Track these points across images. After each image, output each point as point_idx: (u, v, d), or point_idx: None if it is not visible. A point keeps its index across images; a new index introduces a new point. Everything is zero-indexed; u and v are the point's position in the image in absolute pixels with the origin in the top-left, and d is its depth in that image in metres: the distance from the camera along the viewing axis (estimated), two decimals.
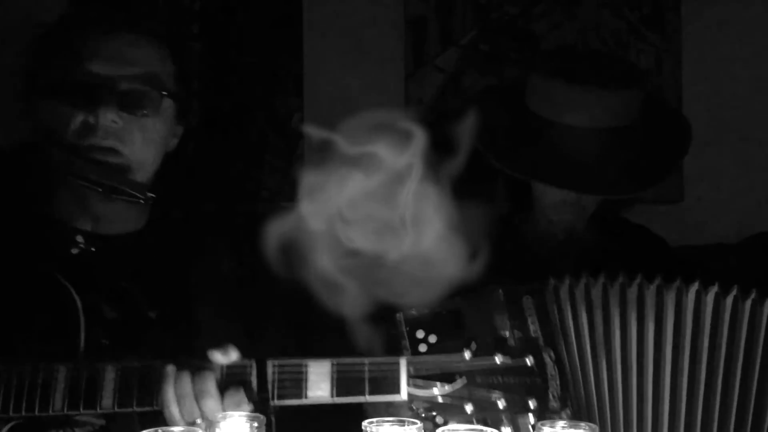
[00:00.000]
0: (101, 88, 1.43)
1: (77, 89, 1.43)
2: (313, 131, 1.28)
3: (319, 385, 1.21)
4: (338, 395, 1.22)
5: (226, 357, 1.26)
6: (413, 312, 1.53)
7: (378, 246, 1.24)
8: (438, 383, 1.21)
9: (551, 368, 1.22)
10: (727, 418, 1.42)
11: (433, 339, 1.53)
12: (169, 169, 1.58)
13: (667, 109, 1.94)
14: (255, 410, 1.20)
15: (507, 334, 1.40)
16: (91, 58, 1.44)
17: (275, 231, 1.25)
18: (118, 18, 1.51)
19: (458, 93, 2.82)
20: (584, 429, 1.09)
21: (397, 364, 1.22)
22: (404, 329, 1.54)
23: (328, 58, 2.85)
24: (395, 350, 1.51)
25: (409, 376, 1.22)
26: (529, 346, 1.25)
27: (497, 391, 1.19)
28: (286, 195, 2.70)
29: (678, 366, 1.43)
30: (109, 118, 1.43)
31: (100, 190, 1.42)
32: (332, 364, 1.23)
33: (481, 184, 1.28)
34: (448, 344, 1.34)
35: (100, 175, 1.41)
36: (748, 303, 1.44)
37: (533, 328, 1.42)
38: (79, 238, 1.52)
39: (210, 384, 1.21)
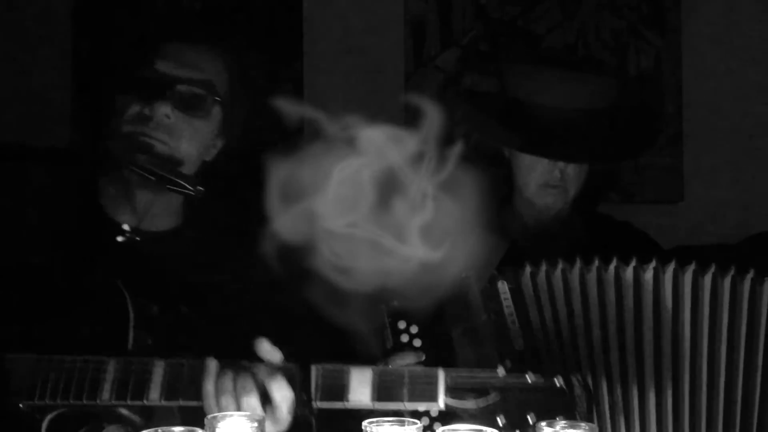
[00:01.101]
0: (160, 85, 1.57)
1: (140, 84, 1.58)
2: (288, 107, 1.30)
3: (360, 390, 1.26)
4: (379, 400, 1.26)
5: (273, 354, 1.29)
6: (395, 303, 1.56)
7: (371, 265, 1.25)
8: (473, 396, 1.27)
9: (578, 390, 1.27)
10: (712, 400, 1.45)
11: (414, 329, 1.57)
12: (206, 177, 1.65)
13: (642, 101, 2.08)
14: (298, 410, 1.25)
15: (483, 318, 1.46)
16: (156, 58, 1.59)
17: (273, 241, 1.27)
18: (182, 27, 1.69)
19: (458, 93, 2.82)
20: (584, 429, 1.09)
21: (436, 375, 1.27)
22: (387, 320, 1.57)
23: (328, 59, 2.86)
24: (379, 341, 1.57)
25: (446, 387, 1.26)
26: (558, 368, 1.33)
27: (527, 407, 1.26)
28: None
29: (661, 347, 1.45)
30: (163, 112, 1.56)
31: (154, 178, 1.47)
32: (374, 372, 1.28)
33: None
34: (433, 332, 1.46)
35: (153, 164, 1.48)
36: (727, 280, 1.47)
37: (508, 311, 1.47)
38: (126, 227, 1.61)
39: (250, 382, 1.25)
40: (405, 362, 1.56)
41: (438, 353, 1.52)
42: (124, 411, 1.33)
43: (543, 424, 1.11)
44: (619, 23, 2.80)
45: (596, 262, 1.50)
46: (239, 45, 1.73)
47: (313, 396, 1.26)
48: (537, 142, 1.82)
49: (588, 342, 1.47)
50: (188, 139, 1.60)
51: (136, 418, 1.35)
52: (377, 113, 1.27)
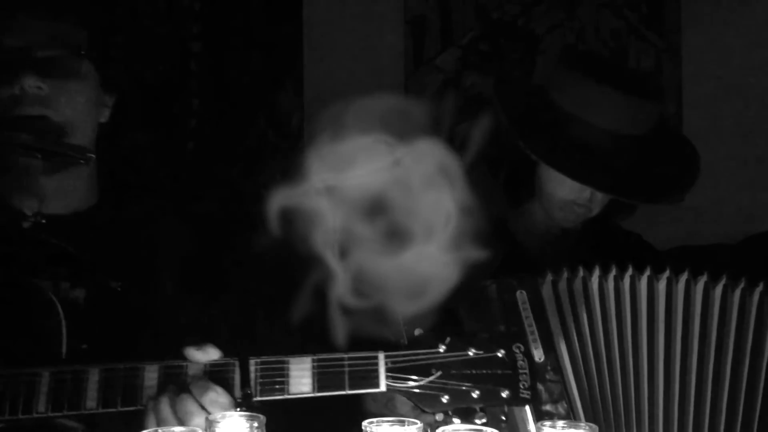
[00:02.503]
0: (18, 59, 1.48)
1: None
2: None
3: (300, 380, 1.25)
4: (319, 390, 1.25)
5: (204, 355, 1.27)
6: (416, 332, 1.54)
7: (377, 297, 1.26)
8: (415, 376, 1.26)
9: (521, 360, 1.27)
10: (718, 407, 1.45)
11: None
12: (106, 141, 1.60)
13: (676, 131, 2.00)
14: (238, 407, 1.23)
15: (503, 328, 1.43)
16: (4, 32, 1.50)
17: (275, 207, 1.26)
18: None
19: (458, 93, 2.82)
20: (584, 429, 1.09)
21: (376, 358, 1.26)
22: (402, 328, 1.55)
23: (328, 59, 2.85)
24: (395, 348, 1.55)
25: (387, 370, 1.26)
26: (500, 340, 1.30)
27: (471, 383, 1.26)
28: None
29: (670, 354, 1.46)
30: (32, 84, 1.46)
31: (40, 156, 1.44)
32: (312, 360, 1.26)
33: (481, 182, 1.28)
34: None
35: (35, 141, 1.44)
36: (738, 292, 1.48)
37: (527, 321, 1.44)
38: (27, 212, 1.54)
39: (190, 405, 1.22)
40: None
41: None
42: (64, 421, 1.31)
43: (542, 424, 1.10)
44: (619, 23, 2.80)
45: (613, 271, 1.49)
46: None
47: (252, 391, 1.25)
48: (580, 167, 1.74)
49: (610, 353, 1.46)
50: (67, 104, 1.50)
51: (76, 425, 1.33)
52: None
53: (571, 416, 1.41)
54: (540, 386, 1.39)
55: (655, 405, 1.45)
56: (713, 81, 2.75)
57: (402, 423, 1.09)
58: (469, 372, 1.26)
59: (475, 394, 1.25)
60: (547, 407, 1.40)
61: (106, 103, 1.62)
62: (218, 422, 1.12)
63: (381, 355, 1.26)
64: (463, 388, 1.25)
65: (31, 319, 1.38)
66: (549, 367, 1.40)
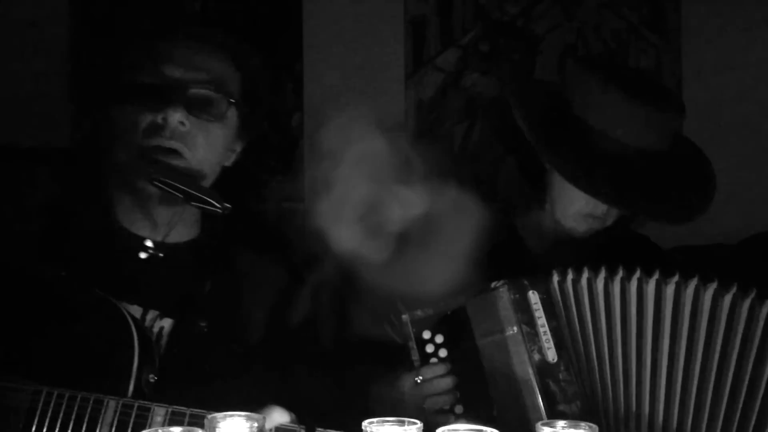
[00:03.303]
0: (171, 90, 1.47)
1: (149, 91, 1.47)
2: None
3: None
4: None
5: (277, 420, 1.26)
6: (419, 313, 1.54)
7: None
8: None
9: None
10: (721, 406, 1.43)
11: (439, 339, 1.56)
12: (225, 183, 1.59)
13: (695, 147, 1.95)
14: None
15: (515, 329, 1.42)
16: (164, 62, 1.49)
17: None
18: (186, 29, 1.58)
19: (458, 93, 2.82)
20: (584, 429, 1.09)
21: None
22: (411, 330, 1.55)
23: (327, 58, 2.85)
24: (404, 351, 1.56)
25: None
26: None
27: None
28: (286, 195, 2.70)
29: (674, 358, 1.44)
30: (177, 118, 1.45)
31: (182, 196, 1.42)
32: None
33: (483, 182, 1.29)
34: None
35: (176, 179, 1.43)
36: (747, 302, 1.45)
37: (540, 322, 1.43)
38: (148, 243, 1.53)
39: None
40: (433, 374, 1.55)
41: (464, 365, 1.51)
42: None
43: (542, 424, 1.10)
44: (619, 23, 2.80)
45: (620, 272, 1.47)
46: (248, 43, 1.63)
47: None
48: (600, 183, 1.67)
49: (626, 354, 1.45)
50: (206, 145, 1.50)
51: None
52: (377, 113, 1.27)
53: (586, 416, 1.40)
54: (553, 386, 1.39)
55: (656, 408, 1.44)
56: (713, 81, 2.75)
57: (402, 423, 1.09)
58: None
59: None
60: (561, 407, 1.39)
61: (234, 149, 1.62)
62: (218, 422, 1.11)
63: None
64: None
65: (106, 342, 1.36)
66: (562, 367, 1.41)
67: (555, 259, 1.69)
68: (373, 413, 1.46)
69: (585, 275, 1.47)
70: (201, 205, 1.42)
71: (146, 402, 1.27)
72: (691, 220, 1.77)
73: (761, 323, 1.44)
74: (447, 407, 1.55)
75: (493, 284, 1.47)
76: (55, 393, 1.26)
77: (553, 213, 1.80)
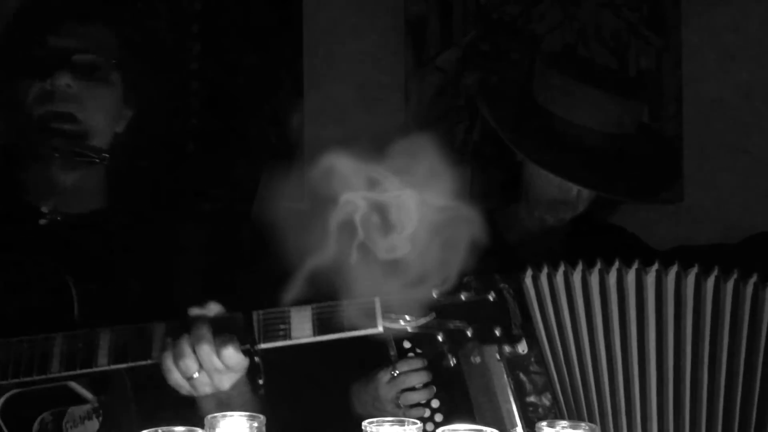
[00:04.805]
0: (55, 58, 1.58)
1: (35, 62, 1.59)
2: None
3: (301, 326, 1.33)
4: (320, 333, 1.33)
5: (208, 311, 1.35)
6: (392, 316, 1.56)
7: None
8: (410, 318, 1.34)
9: (511, 302, 1.35)
10: (708, 402, 1.45)
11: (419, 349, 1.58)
12: (120, 150, 1.69)
13: (659, 133, 2.07)
14: (245, 353, 1.32)
15: (487, 323, 1.45)
16: (51, 33, 1.61)
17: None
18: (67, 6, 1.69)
19: (458, 93, 2.82)
20: (584, 429, 1.09)
21: (373, 302, 1.33)
22: (391, 338, 1.57)
23: (327, 59, 2.85)
24: (385, 361, 1.60)
25: (383, 312, 1.32)
26: (490, 284, 1.36)
27: (465, 321, 1.33)
28: (286, 195, 2.71)
29: (662, 351, 1.45)
30: (64, 81, 1.57)
31: (57, 155, 1.55)
32: (312, 308, 1.34)
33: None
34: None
35: (62, 141, 1.54)
36: (730, 284, 1.47)
37: (512, 315, 1.46)
38: (44, 209, 1.62)
39: (204, 329, 1.30)
40: (409, 367, 1.57)
41: (439, 359, 1.52)
42: (77, 387, 1.38)
43: (543, 424, 1.11)
44: (619, 23, 2.80)
45: (598, 265, 1.49)
46: (135, 16, 1.82)
47: (256, 339, 1.32)
48: (568, 165, 1.78)
49: (609, 346, 1.46)
50: (95, 107, 1.61)
51: (91, 397, 1.40)
52: (377, 113, 1.27)
53: (555, 408, 1.42)
54: (523, 377, 1.43)
55: (648, 399, 1.45)
56: (713, 81, 2.75)
57: (402, 423, 1.10)
58: (462, 312, 1.33)
59: (469, 332, 1.32)
60: (531, 398, 1.42)
61: (123, 116, 1.71)
62: (218, 422, 1.12)
63: (377, 299, 1.32)
64: (458, 325, 1.32)
65: (45, 296, 1.46)
66: (533, 359, 1.43)
67: (532, 250, 1.73)
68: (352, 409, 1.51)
69: (561, 269, 1.49)
70: (80, 157, 1.55)
71: (90, 329, 1.35)
72: (651, 196, 1.93)
73: (748, 304, 1.46)
74: (423, 401, 1.57)
75: (465, 279, 1.48)
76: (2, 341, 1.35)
77: (528, 206, 1.89)
